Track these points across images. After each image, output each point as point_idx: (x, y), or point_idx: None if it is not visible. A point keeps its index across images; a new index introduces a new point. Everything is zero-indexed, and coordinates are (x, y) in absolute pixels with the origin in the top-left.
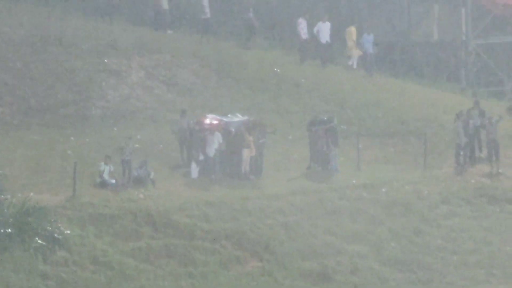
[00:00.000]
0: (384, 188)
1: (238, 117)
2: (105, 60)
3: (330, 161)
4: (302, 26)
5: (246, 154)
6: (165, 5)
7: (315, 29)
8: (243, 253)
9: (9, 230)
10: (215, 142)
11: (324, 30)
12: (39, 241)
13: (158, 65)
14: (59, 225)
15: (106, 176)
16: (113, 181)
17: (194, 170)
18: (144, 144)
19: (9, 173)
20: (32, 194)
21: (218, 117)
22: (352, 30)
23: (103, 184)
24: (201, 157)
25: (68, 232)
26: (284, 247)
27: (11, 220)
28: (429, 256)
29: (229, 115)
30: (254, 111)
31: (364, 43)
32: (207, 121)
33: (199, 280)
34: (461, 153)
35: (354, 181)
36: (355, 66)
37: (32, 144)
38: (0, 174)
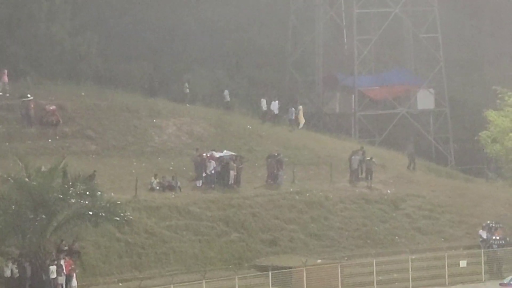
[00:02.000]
0: (308, 193)
1: (228, 153)
2: (154, 120)
3: (278, 178)
4: (264, 103)
5: (232, 173)
6: (186, 90)
7: (271, 105)
8: (229, 229)
9: (102, 214)
10: (211, 166)
11: (275, 106)
12: (116, 219)
13: (183, 123)
14: (127, 212)
15: (154, 185)
16: (158, 187)
17: (199, 182)
18: (175, 167)
19: (100, 182)
20: (112, 194)
21: (215, 153)
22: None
23: (152, 190)
24: (204, 174)
25: (131, 216)
26: (252, 225)
27: (101, 208)
28: (332, 232)
29: (224, 151)
30: (235, 150)
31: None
32: (206, 154)
33: (204, 244)
34: (355, 174)
35: (291, 189)
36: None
37: (112, 166)
38: (95, 183)
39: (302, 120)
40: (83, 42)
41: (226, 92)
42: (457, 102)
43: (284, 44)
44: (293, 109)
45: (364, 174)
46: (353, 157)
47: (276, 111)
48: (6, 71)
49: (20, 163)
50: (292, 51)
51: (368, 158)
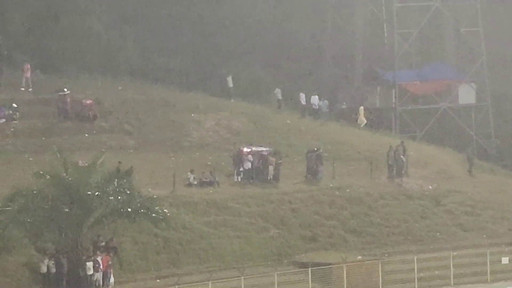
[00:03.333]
0: (348, 189)
1: (267, 147)
2: (192, 115)
3: (318, 173)
4: (303, 97)
5: (270, 168)
6: (230, 84)
7: (311, 99)
8: (268, 225)
9: (139, 210)
10: (248, 161)
11: (315, 100)
12: (153, 215)
13: (222, 118)
14: (164, 207)
15: (191, 180)
16: (195, 183)
17: (237, 177)
18: (213, 162)
19: (137, 177)
20: (150, 189)
21: (253, 147)
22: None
23: (190, 185)
24: (242, 170)
25: (168, 212)
26: (291, 221)
27: (139, 204)
28: (372, 228)
29: (261, 146)
30: (274, 145)
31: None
32: (244, 149)
33: (243, 240)
34: (391, 170)
35: (331, 185)
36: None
37: (150, 161)
38: (132, 178)
39: (363, 121)
40: (119, 35)
41: (277, 90)
42: (499, 96)
43: (323, 38)
44: (327, 102)
45: (399, 170)
46: (390, 152)
47: (316, 106)
48: (29, 66)
49: (58, 156)
50: (332, 46)
51: (401, 154)
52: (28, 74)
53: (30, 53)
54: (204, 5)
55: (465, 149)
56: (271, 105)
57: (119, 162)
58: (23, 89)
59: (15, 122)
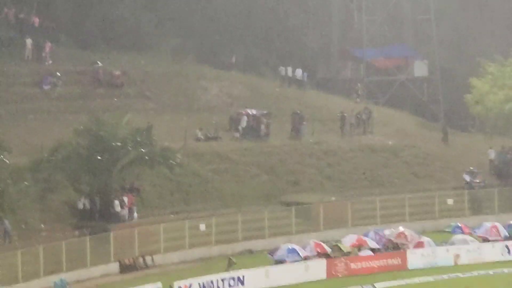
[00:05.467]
0: (324, 144)
1: (260, 110)
2: (200, 83)
3: (300, 131)
4: (283, 70)
5: (262, 127)
6: (233, 60)
7: (295, 72)
8: (260, 172)
9: (157, 159)
10: (245, 121)
11: (298, 73)
12: (169, 163)
13: (224, 86)
14: (177, 157)
15: (199, 136)
16: (202, 138)
17: (236, 134)
18: (217, 121)
19: (155, 133)
20: (166, 143)
21: (248, 110)
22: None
23: (198, 140)
24: (239, 127)
25: (181, 160)
26: (279, 169)
27: (157, 154)
28: (344, 175)
29: (255, 109)
30: (265, 108)
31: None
32: (242, 111)
33: (240, 184)
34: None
35: (311, 140)
36: None
37: (166, 121)
38: (153, 134)
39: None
40: (143, 19)
41: (298, 70)
42: (447, 71)
43: (306, 24)
44: (306, 73)
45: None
46: (358, 114)
47: (299, 77)
48: (50, 44)
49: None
50: (313, 30)
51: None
52: (47, 50)
53: (70, 33)
54: None
55: (421, 113)
56: (264, 76)
57: (148, 122)
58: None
59: (58, 88)
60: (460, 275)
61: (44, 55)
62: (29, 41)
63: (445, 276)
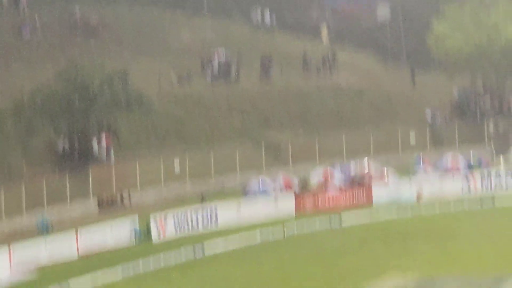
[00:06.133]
0: (292, 84)
1: (231, 53)
2: (174, 29)
3: (269, 73)
4: (258, 13)
5: (233, 69)
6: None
7: (264, 16)
8: (231, 112)
9: (133, 102)
10: (217, 64)
11: (267, 16)
12: (144, 107)
13: (197, 31)
14: (152, 101)
15: (173, 79)
16: (176, 80)
17: (208, 77)
18: (190, 64)
19: (132, 78)
20: (142, 87)
21: (220, 53)
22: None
23: (172, 83)
24: (211, 70)
25: (154, 103)
26: (249, 110)
27: (133, 98)
28: (311, 114)
29: (226, 53)
30: (237, 51)
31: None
32: (213, 55)
33: (213, 124)
34: (325, 70)
35: (279, 82)
36: None
37: (141, 65)
38: (129, 79)
39: (325, 37)
40: None
41: (267, 15)
42: (409, 14)
43: None
44: (274, 17)
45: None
46: (324, 57)
47: (268, 22)
48: None
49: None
50: None
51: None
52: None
53: None
54: None
55: (384, 55)
56: (234, 21)
57: (124, 67)
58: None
59: (38, 36)
60: (422, 208)
61: (22, 5)
62: None
63: (407, 209)
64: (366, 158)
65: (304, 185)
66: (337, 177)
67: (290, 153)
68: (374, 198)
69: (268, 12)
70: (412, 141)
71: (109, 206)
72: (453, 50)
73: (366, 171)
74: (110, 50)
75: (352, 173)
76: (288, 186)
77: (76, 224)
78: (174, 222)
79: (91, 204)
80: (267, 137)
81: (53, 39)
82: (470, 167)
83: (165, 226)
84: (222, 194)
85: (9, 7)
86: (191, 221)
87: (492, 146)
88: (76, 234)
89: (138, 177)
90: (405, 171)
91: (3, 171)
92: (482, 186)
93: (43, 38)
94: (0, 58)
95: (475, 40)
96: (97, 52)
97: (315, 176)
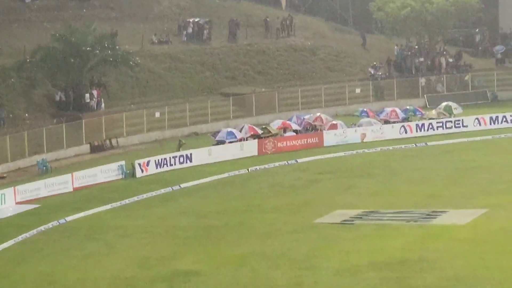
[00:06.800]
0: (255, 45)
1: (203, 18)
2: None
3: (236, 35)
4: None
5: (205, 32)
6: None
7: None
8: (204, 69)
9: (119, 60)
10: (190, 27)
11: None
12: (129, 63)
13: None
14: (136, 58)
15: (154, 40)
16: (156, 41)
17: (183, 37)
18: (168, 28)
19: (118, 39)
20: (127, 46)
21: (194, 18)
22: None
23: (153, 43)
24: (186, 32)
25: (139, 60)
26: (219, 66)
27: (119, 56)
28: (271, 70)
29: (200, 18)
30: (207, 17)
31: None
32: (187, 20)
33: (188, 79)
34: (282, 32)
35: (244, 42)
36: None
37: (126, 28)
38: (115, 39)
39: (283, 5)
40: None
41: None
42: None
43: None
44: None
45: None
46: (282, 21)
47: None
48: None
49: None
50: None
51: (285, 21)
52: None
53: None
54: None
55: (334, 19)
56: None
57: (112, 29)
58: None
59: (37, 1)
60: (366, 150)
61: None
62: None
63: (353, 152)
64: (318, 108)
65: (266, 132)
66: (294, 125)
67: (253, 103)
68: (325, 142)
69: None
70: (357, 93)
71: (99, 151)
72: (392, 14)
73: (318, 119)
74: (100, 15)
75: (306, 121)
76: (252, 133)
77: (71, 165)
78: (156, 164)
79: (84, 148)
80: (234, 90)
81: (51, 3)
82: (407, 115)
83: (147, 167)
84: (196, 140)
85: None
86: (170, 164)
87: (425, 99)
88: (72, 174)
89: (124, 125)
90: (352, 120)
91: (8, 120)
92: (416, 130)
93: (41, 2)
94: (4, 21)
95: (411, 5)
96: (89, 16)
97: (275, 124)
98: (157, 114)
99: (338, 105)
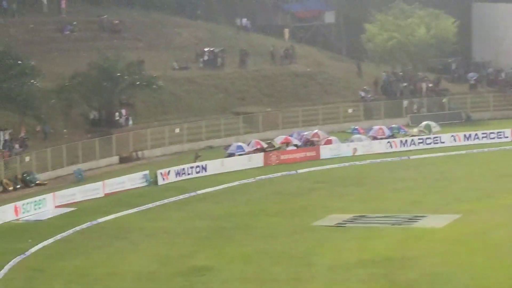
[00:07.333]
0: (262, 71)
1: (218, 48)
2: (175, 30)
3: (245, 62)
4: (238, 20)
5: (219, 60)
6: (198, 12)
7: (243, 22)
8: (217, 91)
9: (145, 83)
10: (206, 55)
11: (246, 22)
12: (153, 87)
13: (192, 31)
14: (159, 82)
15: (175, 66)
16: (177, 67)
17: (200, 64)
18: (187, 56)
19: (145, 65)
20: (151, 71)
21: (209, 48)
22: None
23: (174, 69)
24: (202, 60)
25: (162, 84)
26: (231, 89)
27: (145, 80)
28: (276, 93)
29: (214, 47)
30: (221, 46)
31: (248, 24)
32: (204, 49)
33: (203, 100)
34: (286, 59)
35: (253, 69)
36: None
37: (151, 56)
38: (142, 66)
39: (286, 37)
40: None
41: (244, 19)
42: (348, 18)
43: None
44: (249, 21)
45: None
46: (286, 51)
47: (246, 24)
48: (64, 1)
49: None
50: None
51: (287, 50)
52: (63, 5)
53: None
54: None
55: (330, 48)
56: (220, 23)
57: (139, 58)
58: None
59: (75, 33)
60: (357, 163)
61: (62, 9)
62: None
63: (346, 164)
64: (315, 126)
65: (270, 146)
66: (294, 140)
67: (260, 121)
68: (321, 155)
69: (246, 18)
70: (350, 113)
71: (127, 161)
72: (380, 45)
73: (316, 135)
74: (129, 45)
75: (305, 137)
76: (258, 147)
77: (102, 174)
78: (175, 174)
79: (114, 160)
80: (244, 109)
81: (86, 35)
82: (392, 132)
83: (168, 175)
84: (210, 152)
85: (54, 12)
86: (188, 173)
87: (408, 118)
88: (103, 181)
89: (148, 139)
90: (345, 136)
91: (50, 135)
92: (400, 145)
93: (78, 34)
94: (46, 49)
95: (396, 37)
96: (120, 46)
97: (278, 139)
98: (177, 130)
99: (333, 123)
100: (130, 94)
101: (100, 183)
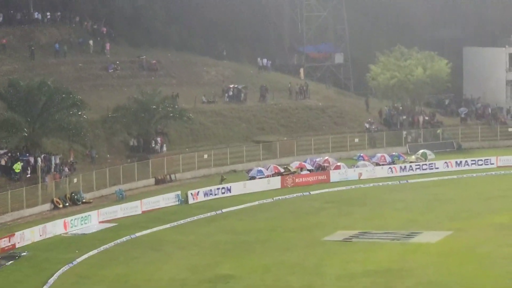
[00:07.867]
0: (280, 105)
1: (241, 85)
2: (204, 68)
3: (265, 97)
4: (259, 60)
5: (242, 95)
6: (224, 52)
7: (263, 61)
8: (240, 122)
9: (177, 115)
10: (231, 91)
11: (267, 62)
12: (184, 118)
13: (219, 69)
14: (190, 114)
15: (204, 100)
16: (205, 101)
17: (225, 98)
18: (215, 91)
19: (178, 99)
20: (183, 104)
21: (234, 85)
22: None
23: (203, 103)
24: (227, 95)
25: (192, 116)
26: (252, 121)
27: (177, 112)
28: (291, 124)
29: (238, 85)
30: (244, 83)
31: (268, 63)
32: (230, 85)
33: (228, 129)
34: (300, 95)
35: (271, 103)
36: None
37: (183, 91)
38: (176, 99)
39: (302, 76)
40: (171, 30)
41: (264, 60)
42: (355, 59)
43: (268, 28)
44: (269, 61)
45: (304, 95)
46: (300, 87)
47: (266, 64)
48: (108, 44)
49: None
50: (272, 32)
51: (302, 87)
52: (108, 48)
53: (124, 36)
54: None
55: (339, 86)
56: (243, 63)
57: (173, 92)
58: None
59: (118, 71)
60: (361, 185)
61: (106, 50)
62: (91, 42)
63: (352, 186)
64: (326, 153)
65: (287, 170)
66: (308, 165)
67: (278, 149)
68: (331, 179)
69: (266, 59)
70: (356, 142)
71: (162, 183)
72: (383, 83)
73: (326, 161)
74: (164, 81)
75: (317, 163)
76: (276, 171)
77: (140, 194)
78: (204, 194)
79: (150, 181)
80: (263, 138)
81: (127, 72)
82: (393, 159)
83: (197, 196)
84: (234, 176)
85: (99, 53)
86: (215, 194)
87: (407, 147)
88: (141, 200)
89: (181, 164)
90: (351, 162)
91: (95, 159)
92: (400, 171)
93: (120, 72)
94: (93, 85)
95: (397, 77)
96: (156, 82)
97: (294, 164)
98: (205, 156)
99: (341, 151)
100: (165, 124)
101: (138, 201)
